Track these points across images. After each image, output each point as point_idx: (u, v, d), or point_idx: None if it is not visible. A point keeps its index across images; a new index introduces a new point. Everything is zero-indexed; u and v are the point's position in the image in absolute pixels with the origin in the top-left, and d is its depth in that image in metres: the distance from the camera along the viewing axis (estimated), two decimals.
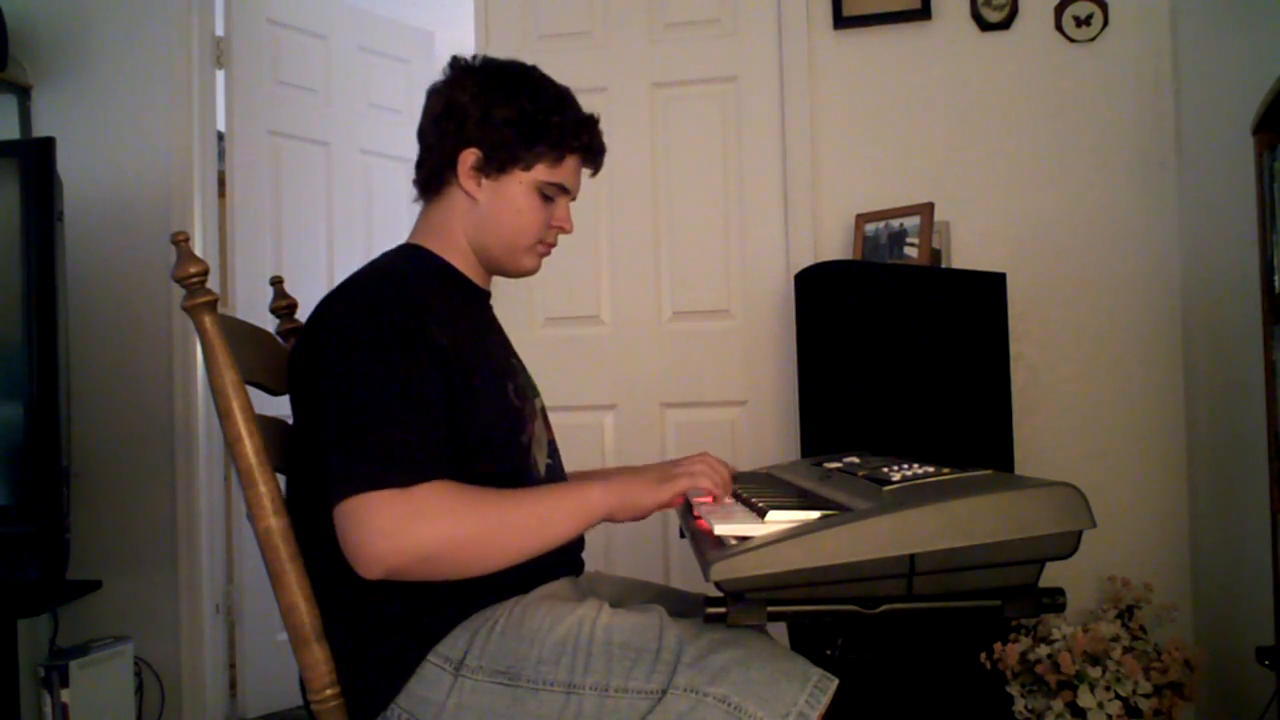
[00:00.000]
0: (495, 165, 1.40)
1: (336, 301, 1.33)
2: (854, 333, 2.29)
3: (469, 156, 1.40)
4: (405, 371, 1.24)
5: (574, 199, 1.48)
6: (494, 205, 1.42)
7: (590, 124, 1.45)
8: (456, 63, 1.46)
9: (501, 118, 1.38)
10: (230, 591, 3.07)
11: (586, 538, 1.52)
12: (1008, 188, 2.72)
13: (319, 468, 1.27)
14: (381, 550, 1.16)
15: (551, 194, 1.44)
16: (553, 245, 1.49)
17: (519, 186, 1.41)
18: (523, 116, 1.39)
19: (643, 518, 1.31)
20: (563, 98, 1.43)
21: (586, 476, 1.55)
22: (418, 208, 1.55)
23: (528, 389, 1.47)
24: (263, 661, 3.10)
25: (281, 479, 1.31)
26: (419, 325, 1.27)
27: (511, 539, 1.24)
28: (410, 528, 1.16)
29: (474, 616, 1.28)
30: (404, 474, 1.18)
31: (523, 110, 1.39)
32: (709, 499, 1.30)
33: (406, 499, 1.17)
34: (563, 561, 1.44)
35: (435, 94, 1.45)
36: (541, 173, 1.41)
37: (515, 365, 1.49)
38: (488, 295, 1.52)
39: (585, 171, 1.50)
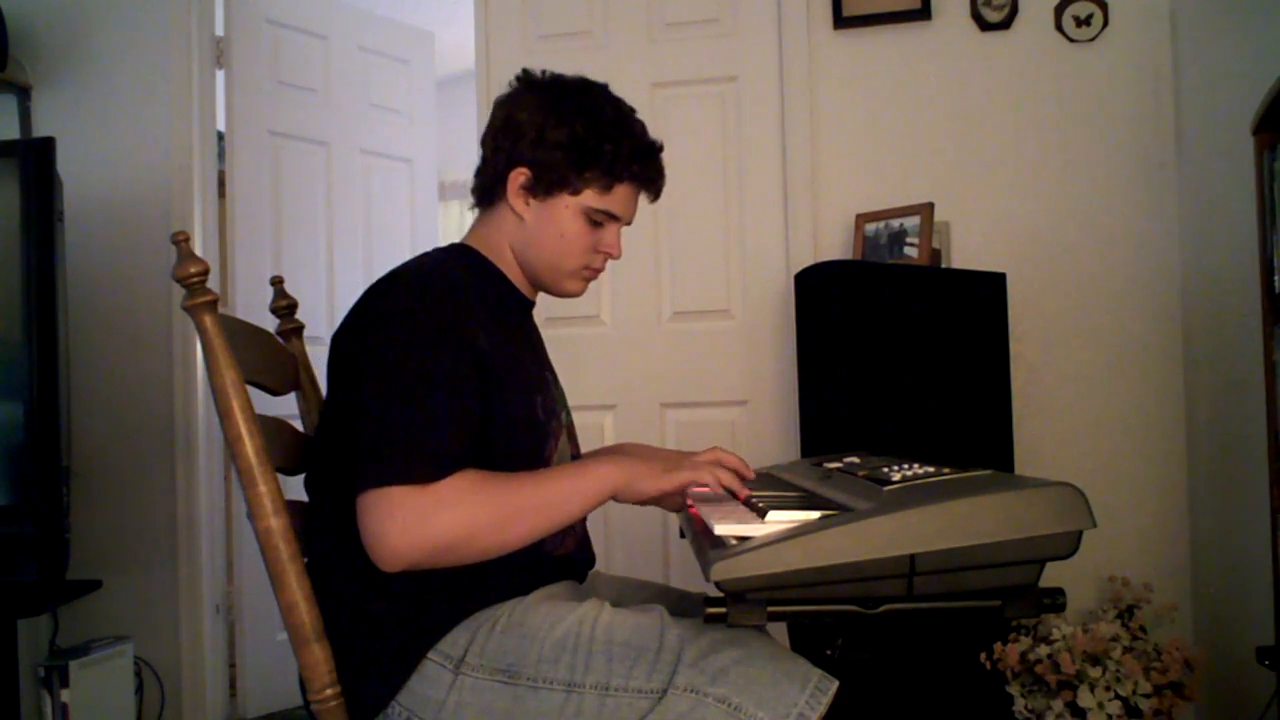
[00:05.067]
0: (543, 188, 1.39)
1: (383, 293, 1.33)
2: (854, 333, 2.29)
3: (518, 176, 1.39)
4: (442, 368, 1.25)
5: (628, 224, 1.46)
6: (539, 226, 1.41)
7: (648, 153, 1.43)
8: (524, 76, 1.44)
9: (553, 140, 1.37)
10: (230, 591, 3.07)
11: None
12: (1008, 188, 2.72)
13: (338, 459, 1.29)
14: (398, 545, 1.17)
15: (600, 220, 1.42)
16: (600, 270, 1.48)
17: (566, 211, 1.40)
18: (574, 141, 1.37)
19: (642, 503, 1.32)
20: (621, 124, 1.40)
21: (602, 453, 1.56)
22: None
23: (556, 404, 1.47)
24: (263, 661, 3.10)
25: (282, 479, 1.31)
26: (461, 324, 1.28)
27: (525, 522, 1.25)
28: (427, 521, 1.18)
29: (474, 615, 1.28)
30: (427, 469, 1.19)
31: (575, 135, 1.37)
32: (701, 488, 1.30)
33: (427, 494, 1.18)
34: (570, 574, 1.45)
35: (499, 106, 1.43)
36: (590, 199, 1.40)
37: (548, 379, 1.49)
38: (531, 305, 1.52)
39: (644, 197, 1.47)
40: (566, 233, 1.41)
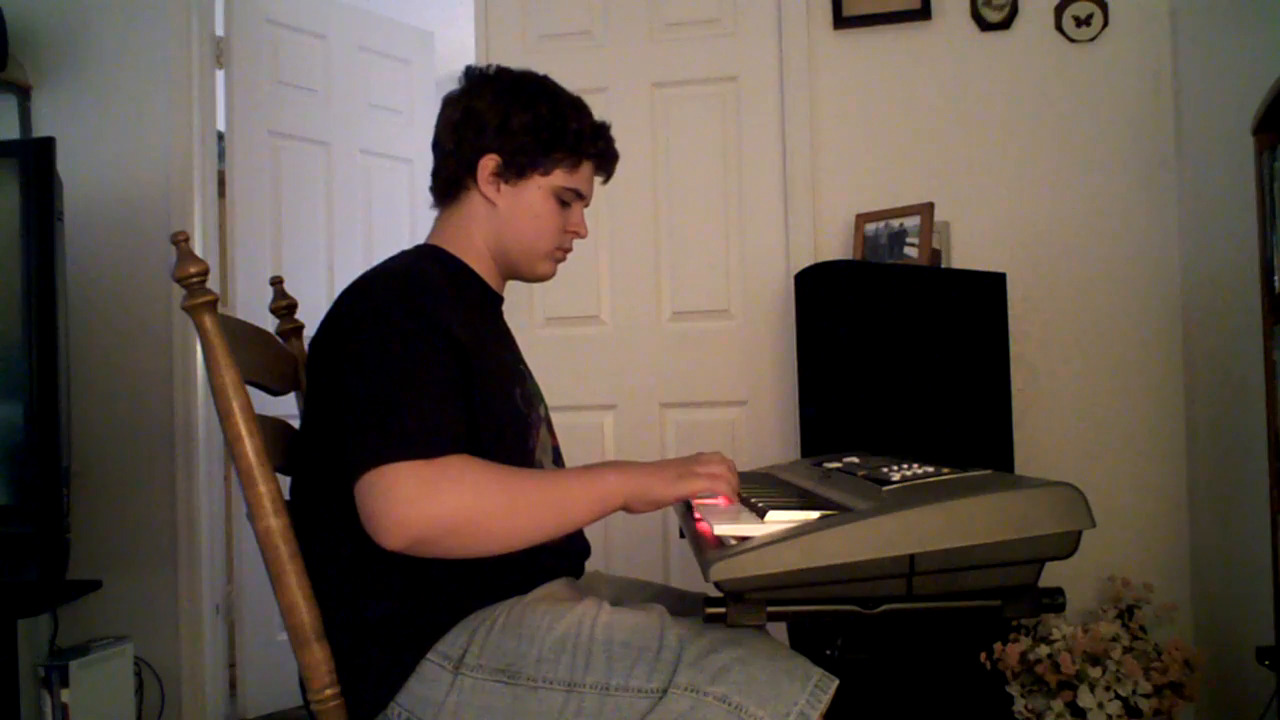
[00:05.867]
0: (514, 171, 1.43)
1: (360, 293, 1.34)
2: (854, 333, 2.29)
3: (489, 162, 1.42)
4: (427, 356, 1.25)
5: (587, 205, 1.51)
6: (513, 210, 1.44)
7: (605, 131, 1.49)
8: (472, 72, 1.48)
9: (520, 124, 1.41)
10: (230, 591, 3.07)
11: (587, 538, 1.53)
12: (1008, 188, 2.72)
13: (328, 458, 1.28)
14: (404, 517, 1.15)
15: (568, 199, 1.47)
16: (569, 251, 1.52)
17: (537, 192, 1.44)
18: (541, 123, 1.42)
19: (656, 509, 1.30)
20: (578, 105, 1.47)
21: (599, 465, 1.56)
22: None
23: (534, 397, 1.48)
24: (263, 661, 3.10)
25: (282, 479, 1.31)
26: (439, 318, 1.29)
27: (531, 518, 1.23)
28: (435, 495, 1.16)
29: (473, 615, 1.28)
30: (428, 446, 1.18)
31: (540, 116, 1.42)
32: (711, 500, 1.30)
33: (431, 468, 1.17)
34: (565, 565, 1.44)
35: (452, 103, 1.47)
36: (559, 178, 1.45)
37: (523, 372, 1.50)
38: (501, 301, 1.53)
39: (596, 179, 1.52)
40: (540, 213, 1.45)
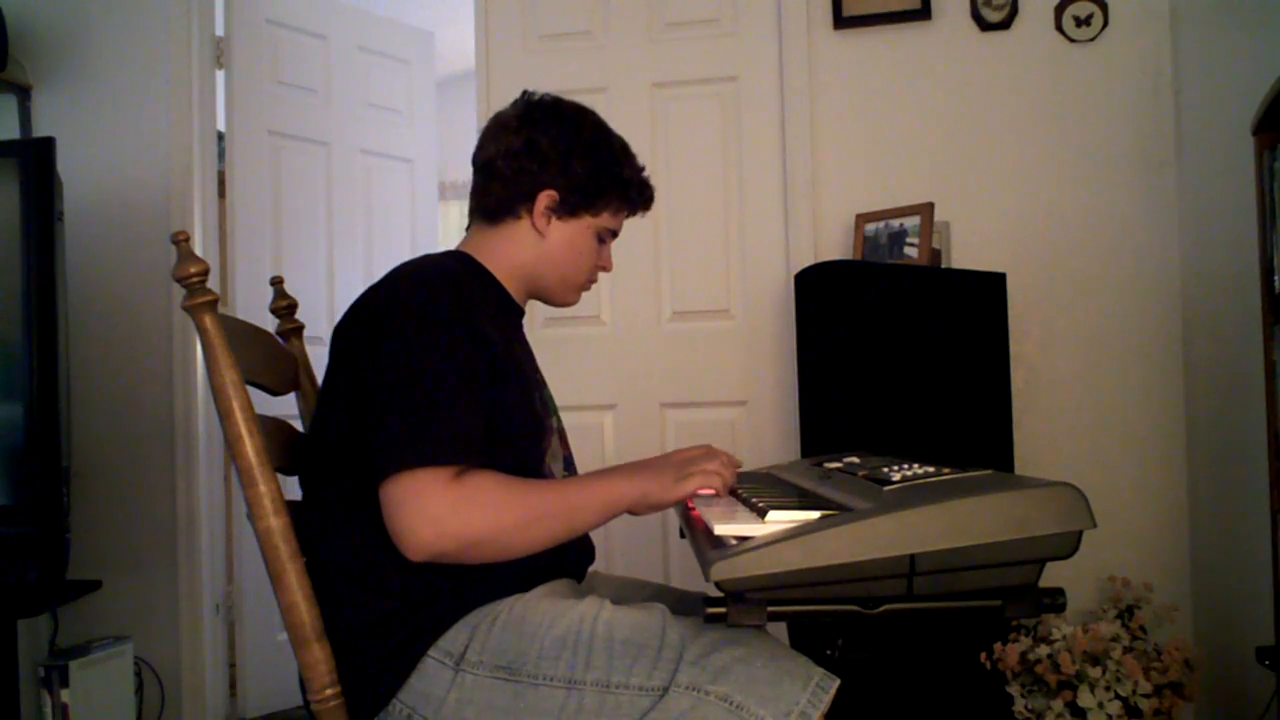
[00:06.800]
0: (568, 209, 1.48)
1: (397, 286, 1.35)
2: (854, 333, 2.30)
3: (545, 198, 1.46)
4: (460, 357, 1.28)
5: (615, 240, 1.58)
6: (559, 243, 1.49)
7: (648, 180, 1.55)
8: (530, 98, 1.52)
9: (582, 168, 1.47)
10: (230, 591, 3.07)
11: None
12: (1008, 188, 2.72)
13: (345, 448, 1.29)
14: (431, 535, 1.19)
15: (605, 238, 1.53)
16: (595, 282, 1.58)
17: (584, 229, 1.50)
18: (600, 168, 1.48)
19: (657, 512, 1.35)
20: (626, 151, 1.53)
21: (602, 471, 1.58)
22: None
23: (549, 406, 1.51)
24: (263, 661, 3.10)
25: (282, 479, 1.31)
26: (470, 317, 1.31)
27: (545, 529, 1.28)
28: (459, 516, 1.21)
29: (474, 612, 1.28)
30: (457, 454, 1.22)
31: (601, 162, 1.48)
32: (710, 495, 1.31)
33: (458, 488, 1.21)
34: (569, 569, 1.45)
35: (511, 130, 1.49)
36: (605, 220, 1.52)
37: (540, 380, 1.53)
38: (522, 314, 1.56)
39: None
40: (582, 249, 1.51)
